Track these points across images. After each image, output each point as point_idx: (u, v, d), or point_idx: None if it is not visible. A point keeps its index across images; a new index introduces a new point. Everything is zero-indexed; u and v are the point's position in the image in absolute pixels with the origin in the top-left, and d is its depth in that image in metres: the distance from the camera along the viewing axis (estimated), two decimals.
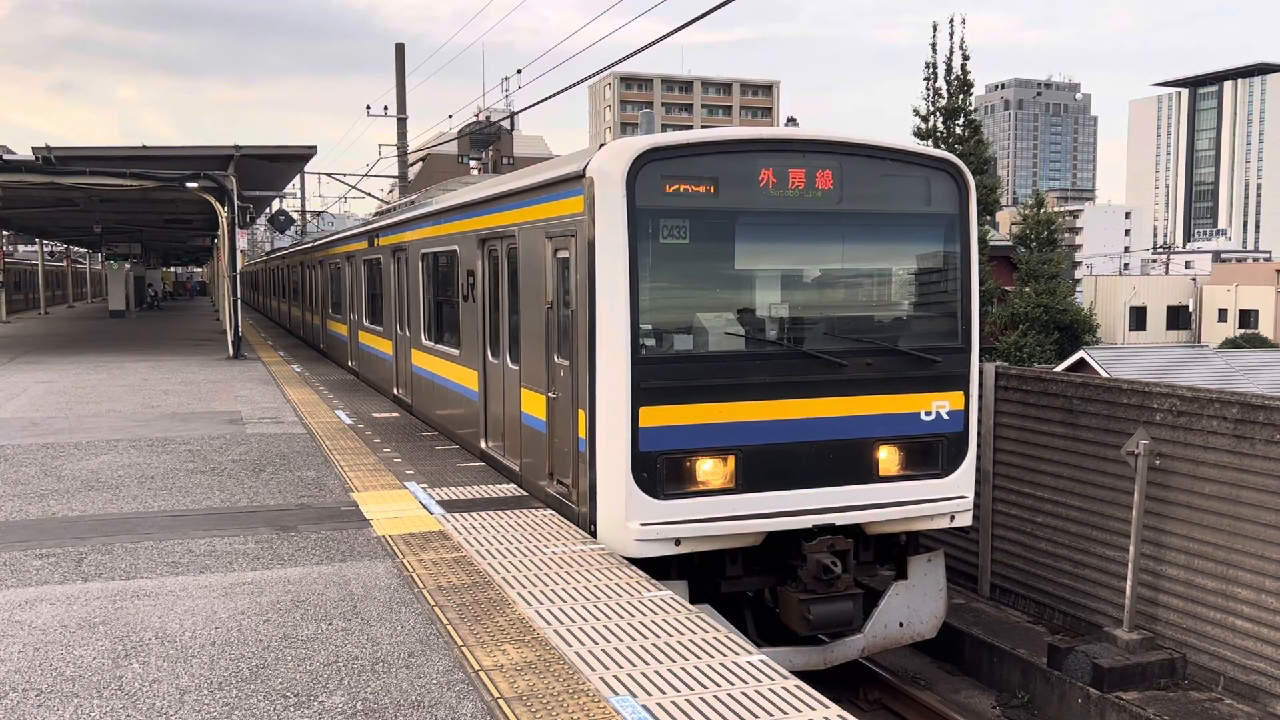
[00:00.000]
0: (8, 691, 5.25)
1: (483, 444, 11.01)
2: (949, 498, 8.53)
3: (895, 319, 8.84)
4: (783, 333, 8.29)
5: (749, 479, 7.91)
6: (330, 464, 11.07)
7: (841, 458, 8.16)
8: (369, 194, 44.72)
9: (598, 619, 6.16)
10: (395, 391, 16.05)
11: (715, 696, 5.06)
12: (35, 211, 32.65)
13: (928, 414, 8.44)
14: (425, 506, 9.06)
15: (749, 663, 5.47)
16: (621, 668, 5.42)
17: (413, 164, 43.35)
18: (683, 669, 5.40)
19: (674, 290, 8.09)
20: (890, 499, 8.31)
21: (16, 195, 26.05)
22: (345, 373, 20.83)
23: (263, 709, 5.00)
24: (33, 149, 21.57)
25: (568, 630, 5.97)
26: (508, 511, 8.84)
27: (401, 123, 34.74)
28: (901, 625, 8.80)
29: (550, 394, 8.74)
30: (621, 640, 5.81)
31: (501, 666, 5.45)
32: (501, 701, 5.02)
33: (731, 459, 7.88)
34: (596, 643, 5.77)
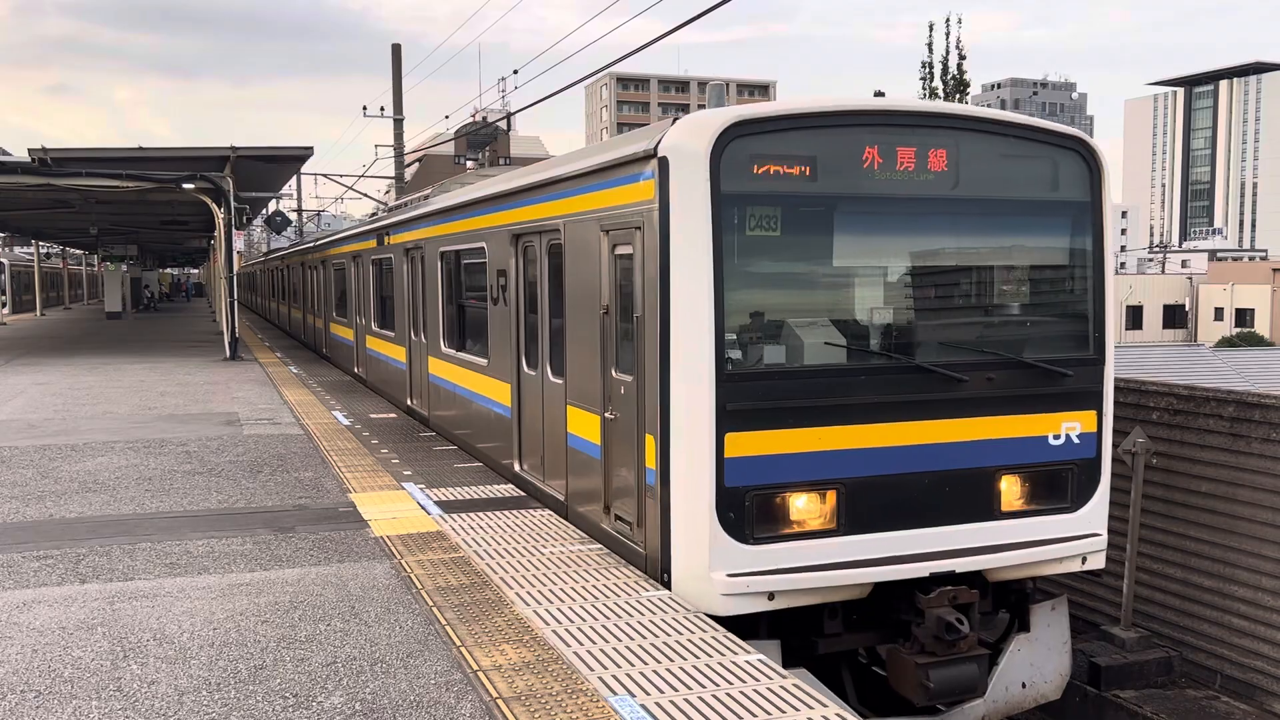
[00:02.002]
0: (6, 693, 5.24)
1: (516, 466, 9.87)
2: (1080, 535, 7.32)
3: (1019, 325, 7.54)
4: (890, 342, 7.02)
5: (853, 518, 6.75)
6: (328, 465, 11.07)
7: (959, 491, 6.99)
8: (365, 195, 44.81)
9: (595, 619, 6.17)
10: (409, 402, 14.81)
11: (714, 695, 5.07)
12: (31, 213, 32.63)
13: (1056, 437, 7.27)
14: (423, 507, 9.07)
15: (747, 662, 5.48)
16: (620, 667, 5.43)
17: (409, 165, 43.35)
18: (681, 668, 5.41)
19: (763, 292, 6.85)
20: (1015, 539, 7.12)
21: (12, 197, 26.03)
22: (352, 379, 19.77)
23: (261, 709, 5.00)
24: (29, 150, 21.59)
25: (566, 630, 5.97)
26: (505, 512, 8.84)
27: (398, 124, 34.75)
28: (1024, 686, 7.56)
29: (607, 414, 7.59)
30: (620, 640, 5.82)
31: (500, 666, 5.46)
32: (500, 701, 5.03)
33: (832, 494, 6.71)
34: (595, 642, 5.78)
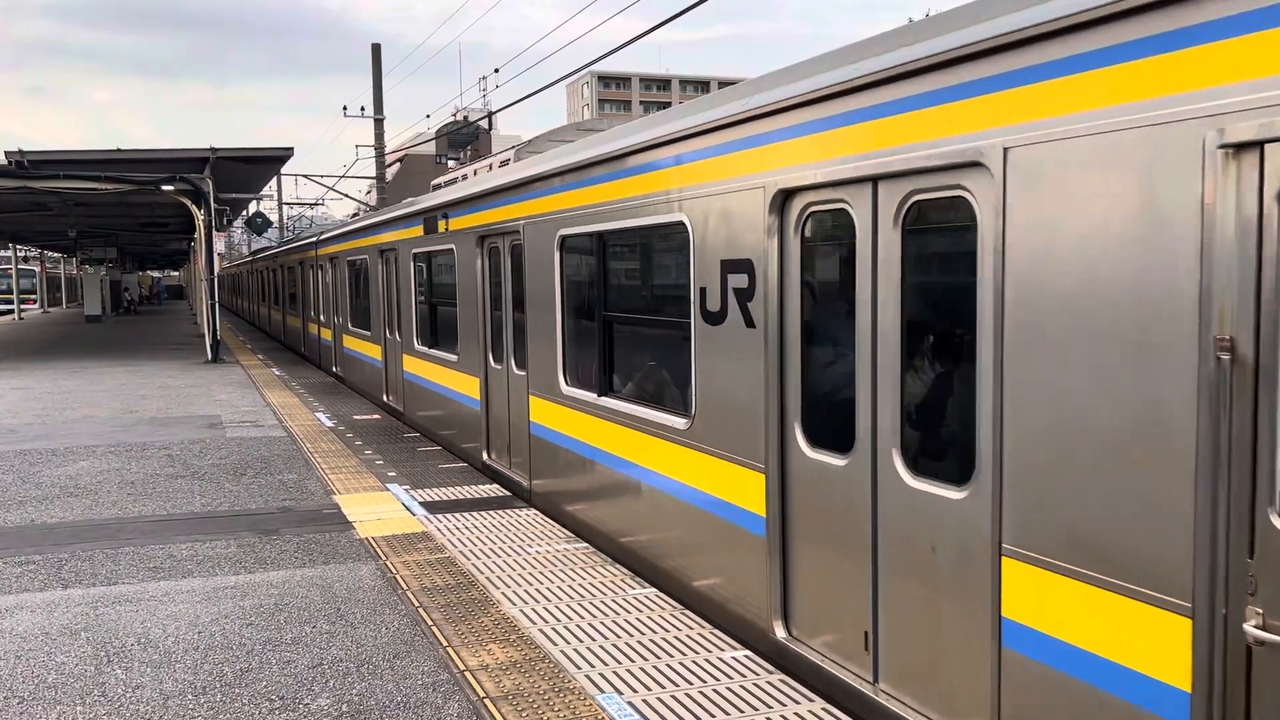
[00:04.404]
0: None
1: (780, 630, 5.55)
2: None
3: None
4: None
5: None
6: (311, 467, 11.04)
7: None
8: (346, 195, 44.72)
9: (582, 617, 6.18)
10: (487, 457, 10.70)
11: (701, 692, 5.09)
12: (8, 216, 32.38)
13: None
14: (408, 508, 9.06)
15: (734, 658, 5.50)
16: (607, 665, 5.44)
17: (390, 165, 43.27)
18: (668, 665, 5.43)
19: None
20: None
21: None
22: (380, 411, 15.50)
23: (248, 712, 4.99)
24: (5, 153, 21.46)
25: (552, 629, 5.98)
26: (490, 512, 8.85)
27: (379, 123, 34.70)
28: None
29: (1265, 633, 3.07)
30: (606, 638, 5.83)
31: (487, 666, 5.46)
32: (488, 701, 5.03)
33: None
34: (581, 641, 5.80)
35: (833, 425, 5.09)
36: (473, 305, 10.80)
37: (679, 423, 6.47)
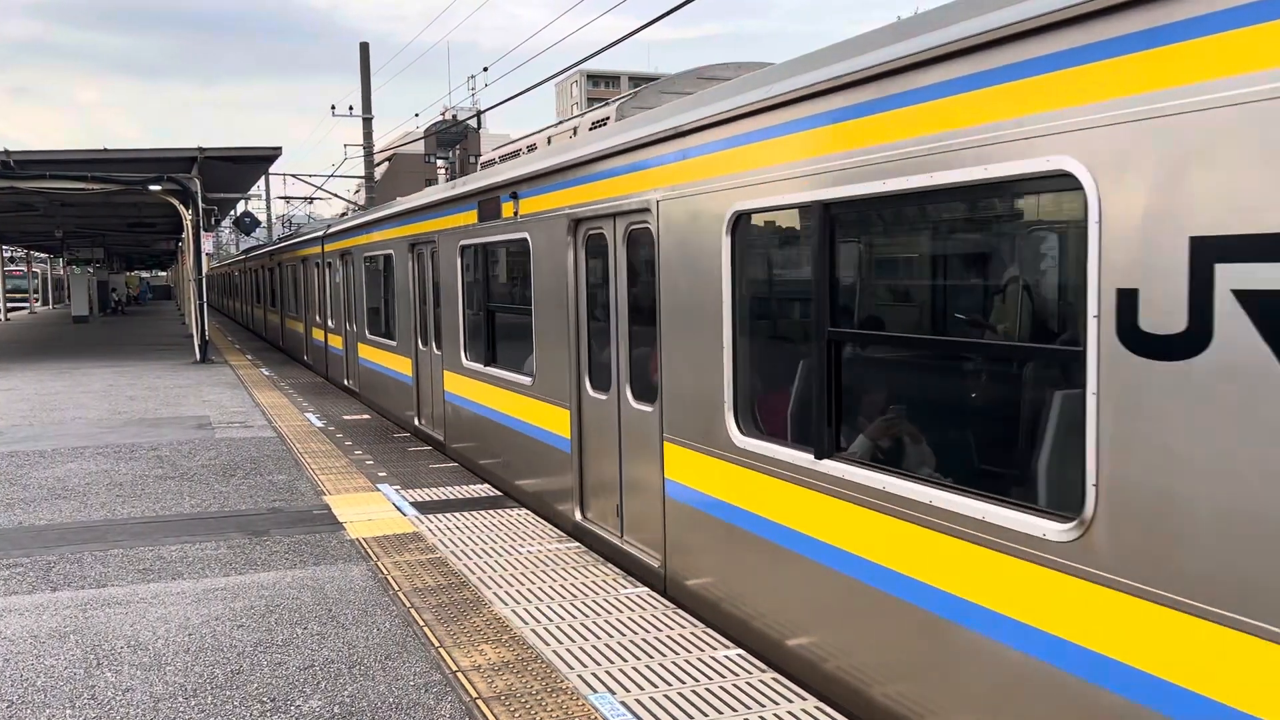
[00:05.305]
0: None
1: None
2: None
3: None
4: None
5: None
6: (301, 467, 11.01)
7: None
8: (335, 194, 44.65)
9: (574, 617, 6.17)
10: (584, 518, 8.09)
11: (694, 691, 5.08)
12: None
13: None
14: (398, 508, 9.03)
15: (726, 657, 5.50)
16: (599, 665, 5.43)
17: (378, 164, 43.18)
18: (660, 664, 5.42)
19: None
20: None
21: None
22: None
23: (239, 714, 4.97)
24: None
25: (544, 629, 5.97)
26: (482, 512, 8.83)
27: (367, 122, 34.63)
28: None
29: None
30: (599, 638, 5.82)
31: (479, 667, 5.45)
32: (480, 701, 5.02)
33: None
34: (574, 640, 5.78)
35: None
36: (558, 313, 8.19)
37: (1046, 528, 3.70)
